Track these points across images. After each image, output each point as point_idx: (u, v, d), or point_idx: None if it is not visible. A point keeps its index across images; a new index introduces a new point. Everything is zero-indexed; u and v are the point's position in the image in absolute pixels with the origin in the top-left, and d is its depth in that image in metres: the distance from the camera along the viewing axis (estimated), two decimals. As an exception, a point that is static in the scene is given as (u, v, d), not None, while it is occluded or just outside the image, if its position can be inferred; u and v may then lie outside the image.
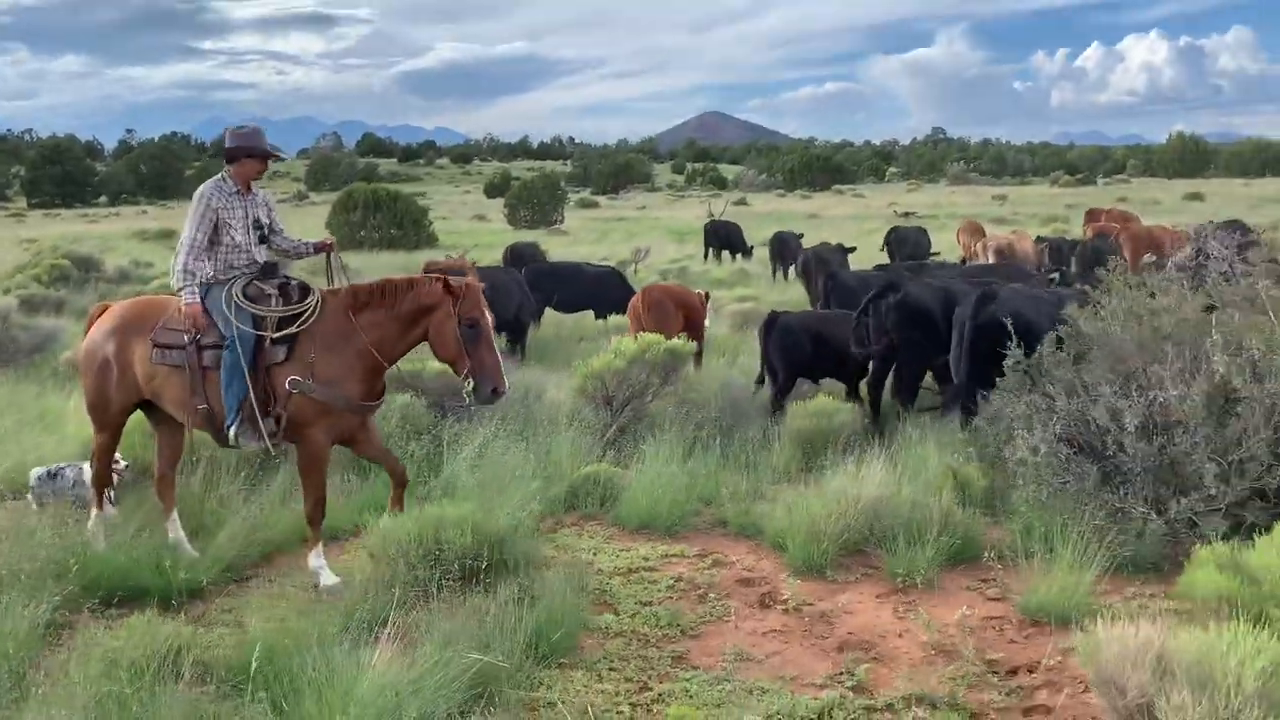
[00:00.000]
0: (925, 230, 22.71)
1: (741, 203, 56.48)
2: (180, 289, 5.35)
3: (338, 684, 3.65)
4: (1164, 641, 3.14)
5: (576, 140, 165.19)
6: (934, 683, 4.07)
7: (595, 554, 5.62)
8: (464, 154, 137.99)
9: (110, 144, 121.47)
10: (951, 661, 4.29)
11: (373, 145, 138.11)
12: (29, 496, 6.19)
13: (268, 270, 5.57)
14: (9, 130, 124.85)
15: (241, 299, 5.30)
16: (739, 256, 25.44)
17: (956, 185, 74.51)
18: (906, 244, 20.98)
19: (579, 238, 32.24)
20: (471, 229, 37.44)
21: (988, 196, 56.01)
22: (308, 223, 40.21)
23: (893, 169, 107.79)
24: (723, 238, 26.33)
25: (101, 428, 5.69)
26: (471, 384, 5.23)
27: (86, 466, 6.12)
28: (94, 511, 5.70)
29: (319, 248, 5.82)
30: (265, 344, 5.24)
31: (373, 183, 48.86)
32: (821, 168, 79.06)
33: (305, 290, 5.42)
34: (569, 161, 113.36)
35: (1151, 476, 5.35)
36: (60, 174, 74.53)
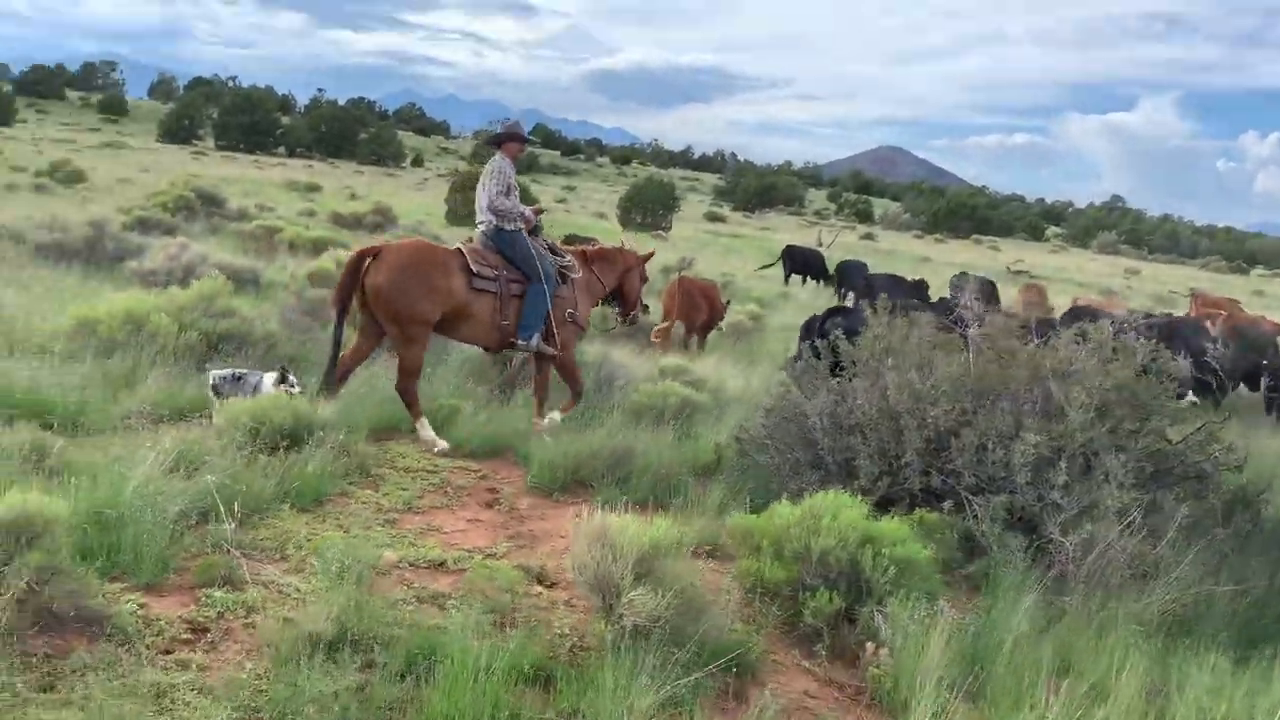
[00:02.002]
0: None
1: (868, 237, 56.95)
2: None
3: (114, 475, 5.24)
4: (607, 525, 4.45)
5: (739, 157, 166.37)
6: (534, 560, 5.40)
7: (404, 457, 7.09)
8: (624, 155, 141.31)
9: (305, 101, 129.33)
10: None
11: (542, 136, 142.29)
12: (209, 393, 7.06)
13: (534, 229, 8.03)
14: (215, 75, 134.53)
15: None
16: (820, 282, 26.74)
17: (1102, 254, 72.62)
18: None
19: (675, 245, 33.69)
20: (583, 225, 39.32)
21: (1122, 268, 54.89)
22: (424, 195, 43.02)
23: (1055, 229, 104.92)
24: (799, 263, 27.67)
25: (416, 340, 7.40)
26: (634, 315, 9.06)
27: (267, 377, 7.06)
28: (421, 420, 7.34)
29: (535, 211, 8.15)
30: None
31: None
32: (968, 215, 78.28)
33: (558, 247, 8.33)
34: (722, 176, 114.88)
35: (839, 467, 6.54)
36: (248, 122, 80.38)
